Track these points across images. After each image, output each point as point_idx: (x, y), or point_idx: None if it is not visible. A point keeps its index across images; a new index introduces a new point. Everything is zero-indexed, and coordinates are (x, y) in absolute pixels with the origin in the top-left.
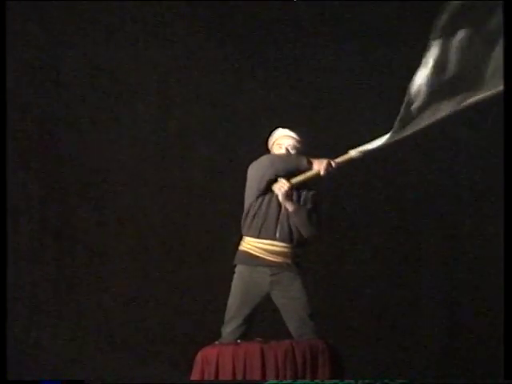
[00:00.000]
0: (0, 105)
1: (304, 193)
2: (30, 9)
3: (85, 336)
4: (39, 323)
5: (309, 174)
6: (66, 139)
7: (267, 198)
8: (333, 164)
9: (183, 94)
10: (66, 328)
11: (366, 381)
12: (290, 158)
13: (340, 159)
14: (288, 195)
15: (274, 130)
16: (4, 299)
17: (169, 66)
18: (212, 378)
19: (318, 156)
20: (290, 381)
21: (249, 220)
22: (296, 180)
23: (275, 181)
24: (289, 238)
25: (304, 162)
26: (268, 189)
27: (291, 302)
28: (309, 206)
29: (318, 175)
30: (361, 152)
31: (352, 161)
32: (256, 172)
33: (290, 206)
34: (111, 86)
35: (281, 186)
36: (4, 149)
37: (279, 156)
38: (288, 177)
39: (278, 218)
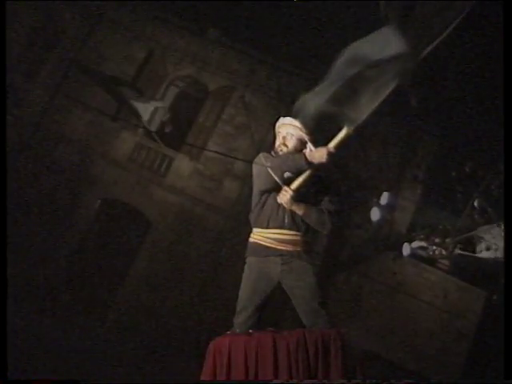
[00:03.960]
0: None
1: (313, 191)
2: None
3: (93, 331)
4: (40, 323)
5: (305, 175)
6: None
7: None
8: (331, 150)
9: (194, 84)
10: (72, 326)
11: (373, 381)
12: (288, 161)
13: (336, 140)
14: (292, 202)
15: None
16: (4, 299)
17: (180, 54)
18: (224, 368)
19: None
20: (294, 381)
21: (257, 212)
22: (296, 185)
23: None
24: (297, 225)
25: (302, 161)
26: (271, 191)
27: (302, 291)
28: (318, 204)
29: (313, 173)
30: (354, 125)
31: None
32: (258, 174)
33: (299, 211)
34: (121, 76)
35: (283, 195)
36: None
37: (277, 161)
38: (288, 182)
39: (285, 207)
